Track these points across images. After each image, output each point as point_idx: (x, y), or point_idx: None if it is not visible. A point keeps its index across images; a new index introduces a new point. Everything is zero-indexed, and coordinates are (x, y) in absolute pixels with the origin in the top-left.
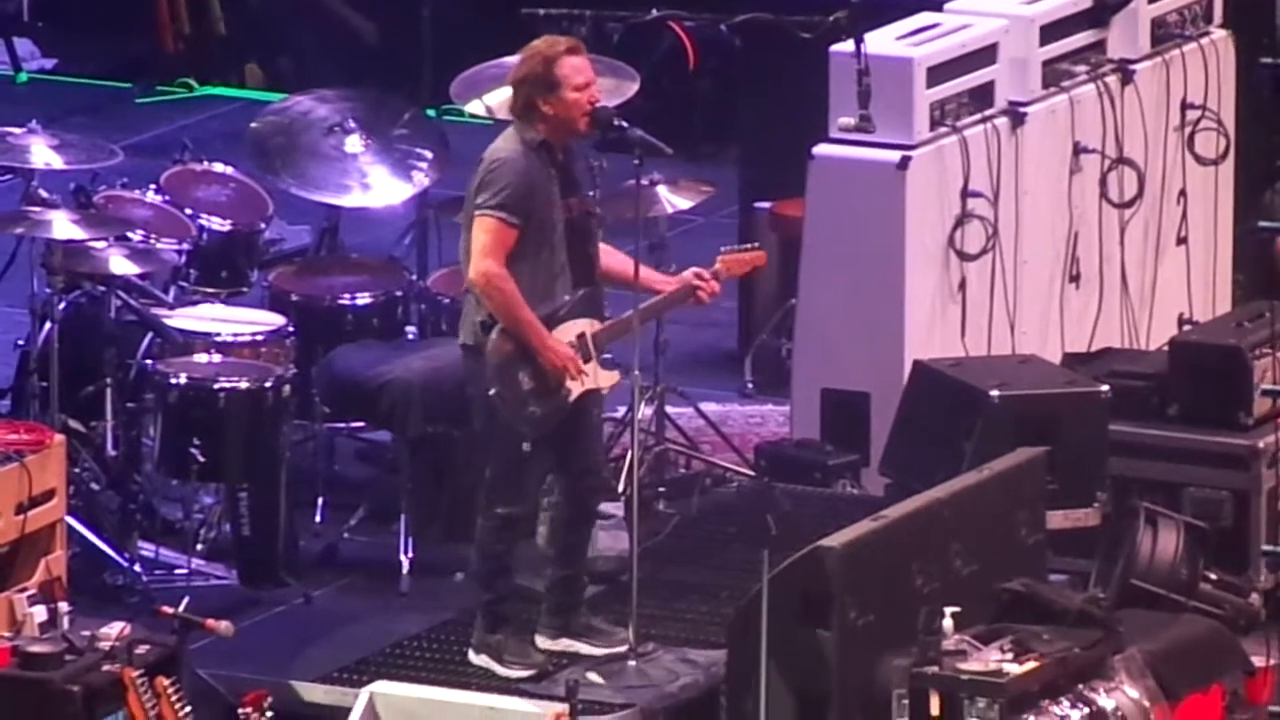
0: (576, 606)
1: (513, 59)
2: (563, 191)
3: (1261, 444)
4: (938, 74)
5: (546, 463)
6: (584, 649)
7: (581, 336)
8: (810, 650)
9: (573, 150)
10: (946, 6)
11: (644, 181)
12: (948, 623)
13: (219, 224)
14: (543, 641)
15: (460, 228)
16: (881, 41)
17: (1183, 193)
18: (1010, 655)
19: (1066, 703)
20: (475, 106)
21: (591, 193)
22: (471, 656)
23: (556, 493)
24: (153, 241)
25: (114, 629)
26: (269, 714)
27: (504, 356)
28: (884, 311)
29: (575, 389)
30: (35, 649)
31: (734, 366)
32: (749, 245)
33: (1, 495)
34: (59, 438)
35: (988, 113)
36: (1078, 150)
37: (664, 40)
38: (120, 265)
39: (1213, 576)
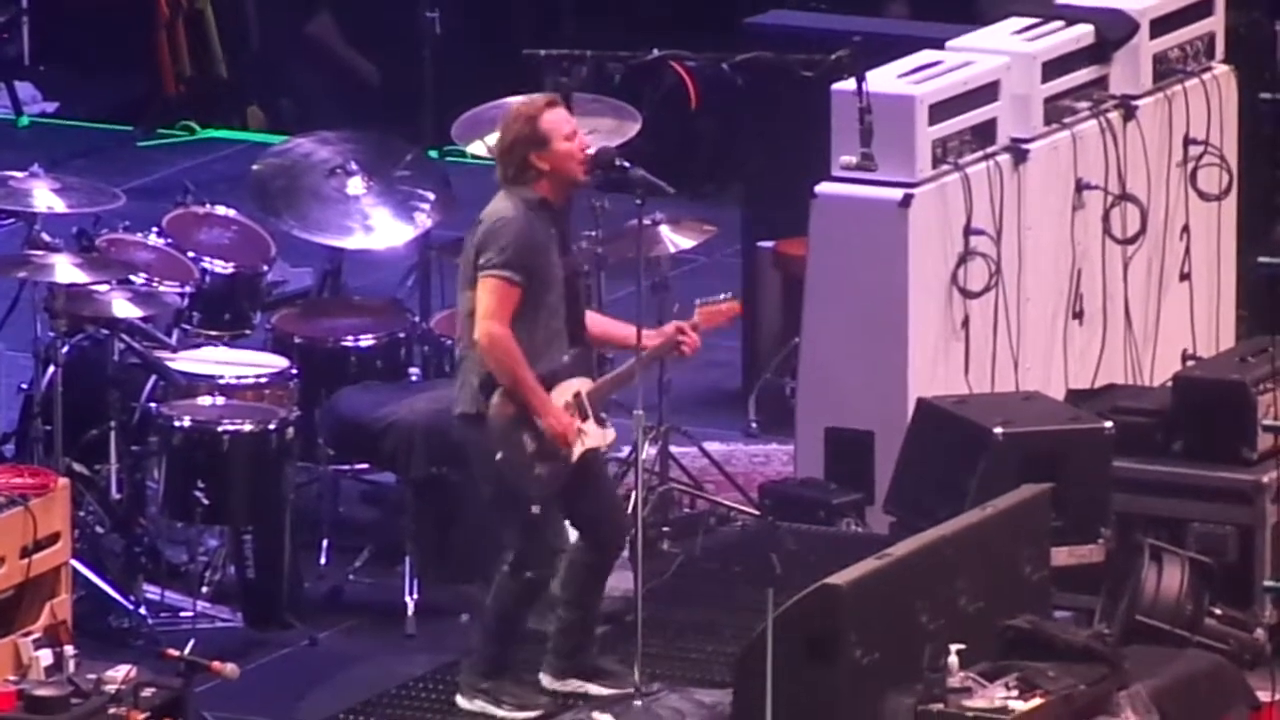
0: (586, 648)
1: (514, 99)
2: (562, 249)
3: (1265, 479)
4: (940, 111)
5: (560, 520)
6: (592, 689)
7: (578, 396)
8: (816, 689)
9: (566, 211)
10: (948, 44)
11: (646, 221)
12: (953, 660)
13: (221, 267)
14: (548, 681)
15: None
16: (883, 79)
17: (1186, 228)
18: (1016, 692)
19: None
20: (477, 147)
21: (593, 233)
22: (462, 702)
23: (577, 539)
24: (155, 284)
25: (119, 672)
26: None
27: (507, 420)
28: (887, 349)
29: (576, 449)
30: (41, 693)
31: (738, 406)
32: (724, 296)
33: (6, 539)
34: (63, 481)
35: (990, 150)
36: (1080, 187)
37: (665, 80)
38: (123, 308)
39: (1218, 612)
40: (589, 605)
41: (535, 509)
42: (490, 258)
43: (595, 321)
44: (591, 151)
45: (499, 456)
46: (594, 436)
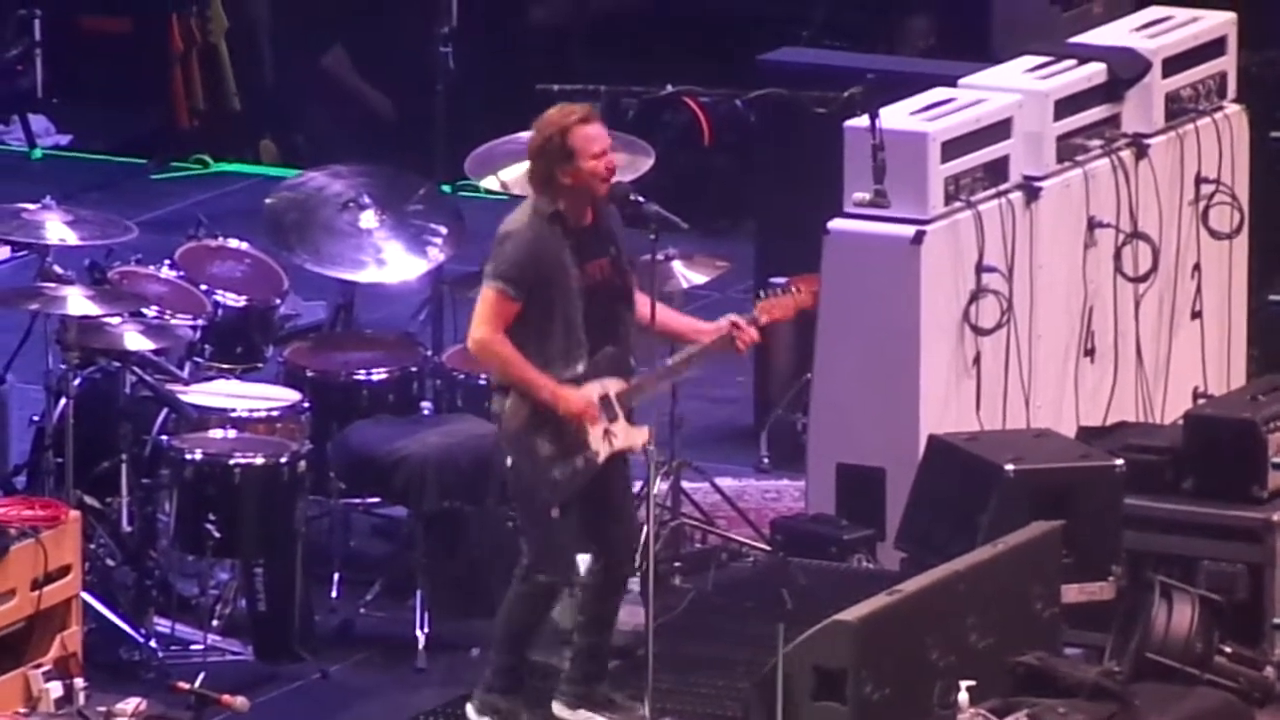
0: (600, 677)
1: (527, 134)
2: (581, 258)
3: (1276, 517)
4: (952, 149)
5: (580, 529)
6: None
7: (605, 398)
8: None
9: (603, 213)
10: (961, 81)
11: (659, 256)
12: (963, 696)
13: (234, 300)
14: (560, 710)
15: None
16: (896, 116)
17: (1197, 267)
18: None
19: None
20: (490, 182)
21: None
22: (473, 715)
23: (590, 560)
24: (168, 317)
25: (130, 705)
26: None
27: (520, 424)
28: (899, 386)
29: (603, 450)
30: None
31: (749, 442)
32: (790, 287)
33: (17, 571)
34: (74, 514)
35: (1002, 187)
36: (1092, 224)
37: (679, 115)
38: (135, 341)
39: (1228, 650)
40: (601, 631)
41: (555, 512)
42: (491, 269)
43: (661, 313)
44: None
45: (510, 463)
46: (623, 437)
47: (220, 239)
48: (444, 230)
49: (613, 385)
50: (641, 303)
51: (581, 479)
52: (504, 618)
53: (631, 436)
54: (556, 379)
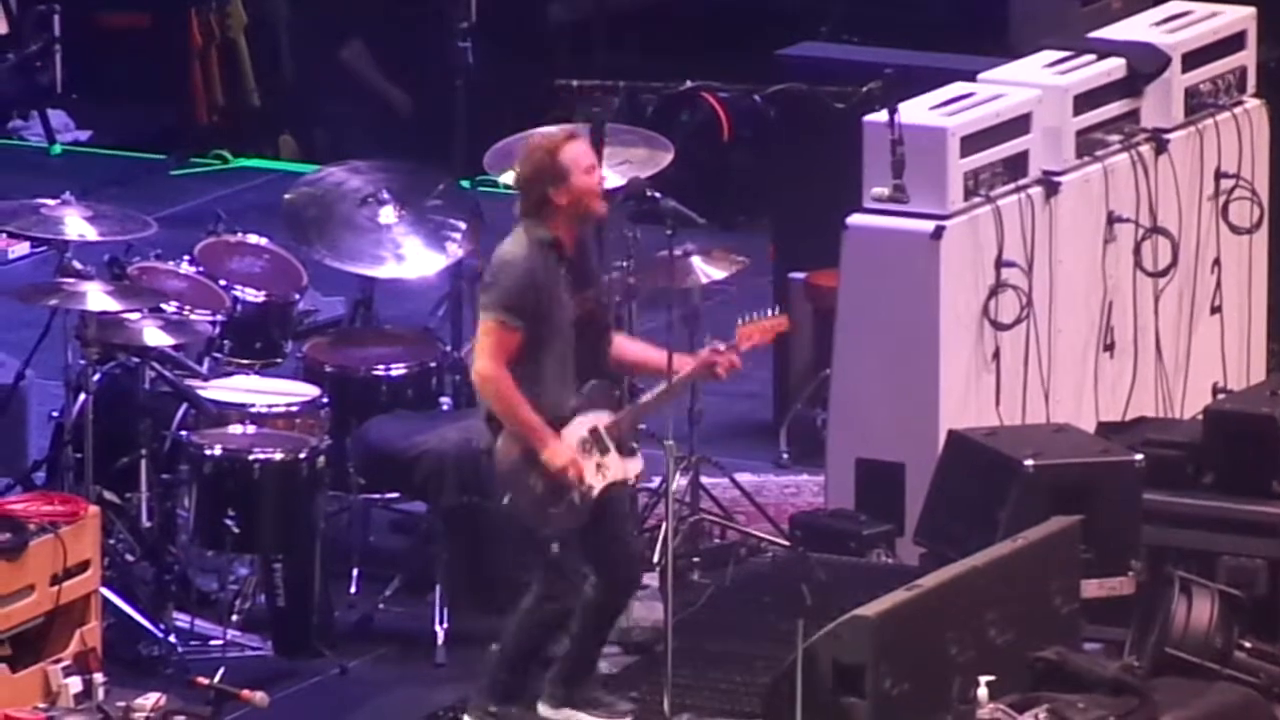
0: (586, 679)
1: (547, 130)
2: (574, 288)
3: None
4: (971, 144)
5: (581, 554)
6: (584, 719)
7: (594, 431)
8: None
9: (587, 245)
10: (980, 76)
11: (677, 252)
12: (982, 692)
13: (253, 295)
14: (544, 709)
15: None
16: (915, 111)
17: (1217, 261)
18: None
19: None
20: (509, 177)
21: (625, 263)
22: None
23: (593, 576)
24: (187, 313)
25: (149, 700)
26: None
27: (513, 462)
28: (918, 381)
29: (598, 483)
30: None
31: (769, 437)
32: (769, 313)
33: (37, 567)
34: (94, 509)
35: (1021, 182)
36: (1112, 219)
37: (698, 111)
38: (154, 337)
39: (1247, 645)
40: (595, 643)
41: (555, 547)
42: (489, 300)
43: (629, 348)
44: (623, 182)
45: (506, 500)
46: (616, 469)
47: (239, 234)
48: (463, 225)
49: (601, 419)
50: (619, 343)
51: (578, 514)
52: (514, 637)
53: (624, 468)
54: (551, 410)
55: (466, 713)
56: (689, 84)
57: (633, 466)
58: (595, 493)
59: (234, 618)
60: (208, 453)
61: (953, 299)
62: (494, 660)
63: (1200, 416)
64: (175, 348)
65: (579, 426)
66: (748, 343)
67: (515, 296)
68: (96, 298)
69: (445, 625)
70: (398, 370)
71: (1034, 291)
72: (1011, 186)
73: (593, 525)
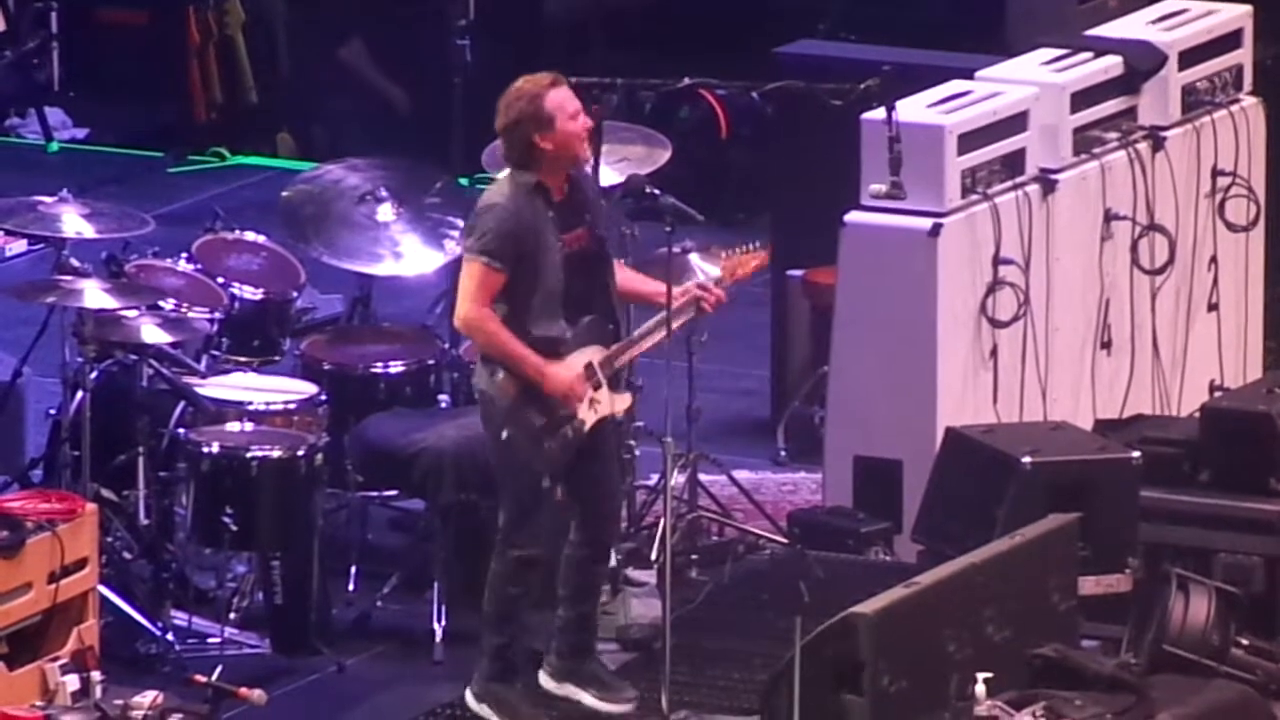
0: (587, 650)
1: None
2: (563, 227)
3: None
4: (969, 141)
5: (564, 499)
6: (586, 699)
7: (589, 366)
8: (843, 717)
9: (581, 181)
10: (978, 74)
11: (675, 249)
12: (980, 689)
13: (251, 293)
14: (546, 681)
15: None
16: (913, 109)
17: (1214, 259)
18: None
19: None
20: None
21: (623, 260)
22: (472, 703)
23: (572, 532)
24: (184, 310)
25: (147, 698)
26: None
27: (512, 398)
28: (916, 379)
29: (589, 417)
30: (67, 718)
31: (767, 434)
32: (749, 246)
33: (34, 564)
34: (91, 507)
35: (1019, 180)
36: (1109, 217)
37: (696, 108)
38: (152, 334)
39: (1244, 642)
40: (587, 599)
41: (545, 482)
42: (472, 243)
43: (624, 276)
44: (622, 179)
45: (505, 435)
46: (607, 403)
47: (237, 232)
48: (461, 223)
49: (594, 353)
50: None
51: (571, 448)
52: (488, 598)
53: (614, 402)
54: (543, 348)
55: (471, 695)
56: (687, 81)
57: (620, 402)
58: (587, 426)
59: (232, 615)
60: (205, 450)
61: (950, 296)
62: (482, 635)
63: (1197, 414)
64: (173, 345)
65: (575, 361)
66: (731, 277)
67: (497, 239)
68: (94, 295)
69: (443, 623)
70: (396, 368)
71: (1031, 289)
72: (1009, 184)
73: (580, 465)
